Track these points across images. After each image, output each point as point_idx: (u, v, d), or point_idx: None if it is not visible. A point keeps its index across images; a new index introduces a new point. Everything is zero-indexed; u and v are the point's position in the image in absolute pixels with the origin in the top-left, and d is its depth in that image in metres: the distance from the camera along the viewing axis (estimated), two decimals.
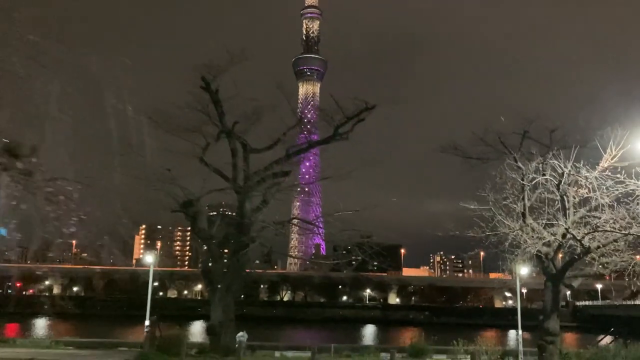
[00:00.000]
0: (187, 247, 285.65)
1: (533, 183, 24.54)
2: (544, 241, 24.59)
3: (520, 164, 24.50)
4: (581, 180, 23.56)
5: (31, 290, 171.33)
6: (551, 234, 24.55)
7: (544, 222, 25.53)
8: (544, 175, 24.13)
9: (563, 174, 23.90)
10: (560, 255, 26.86)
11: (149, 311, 27.78)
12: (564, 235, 24.55)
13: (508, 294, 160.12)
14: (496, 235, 24.81)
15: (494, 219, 24.51)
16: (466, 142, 25.38)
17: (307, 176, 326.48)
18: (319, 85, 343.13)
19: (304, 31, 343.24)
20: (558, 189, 24.12)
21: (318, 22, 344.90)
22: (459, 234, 25.15)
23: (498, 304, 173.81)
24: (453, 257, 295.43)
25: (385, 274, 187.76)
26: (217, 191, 21.93)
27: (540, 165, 24.44)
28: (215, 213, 26.84)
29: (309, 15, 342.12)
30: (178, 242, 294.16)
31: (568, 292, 72.83)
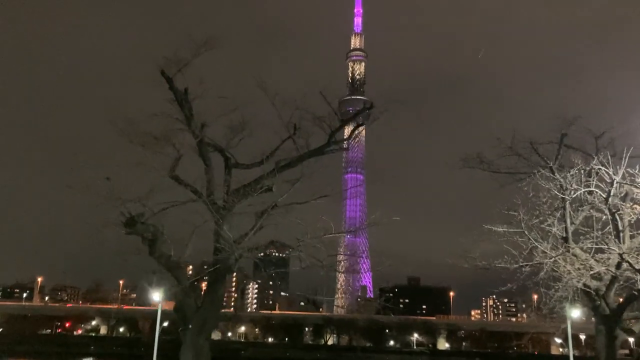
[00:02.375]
0: (233, 287, 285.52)
1: (575, 197, 19.90)
2: (592, 272, 19.96)
3: (558, 176, 20.02)
4: (637, 193, 18.98)
5: (79, 330, 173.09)
6: (601, 263, 19.92)
7: (591, 247, 20.63)
8: (587, 186, 19.51)
9: (613, 183, 19.34)
10: (614, 291, 21.62)
11: (156, 352, 25.34)
12: (618, 265, 19.76)
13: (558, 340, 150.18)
14: (532, 265, 20.30)
15: (529, 245, 20.04)
16: (493, 155, 21.37)
17: (355, 219, 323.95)
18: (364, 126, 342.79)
19: (350, 73, 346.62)
20: (606, 203, 19.37)
21: (363, 64, 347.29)
22: (486, 265, 20.79)
23: (555, 350, 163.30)
24: (506, 300, 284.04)
25: (434, 318, 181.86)
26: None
27: (583, 173, 19.68)
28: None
29: (354, 58, 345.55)
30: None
31: (631, 339, 64.12)
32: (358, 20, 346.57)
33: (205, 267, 18.92)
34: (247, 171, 19.55)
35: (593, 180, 19.44)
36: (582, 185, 19.39)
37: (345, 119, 19.50)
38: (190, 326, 17.41)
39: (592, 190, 19.53)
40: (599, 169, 19.03)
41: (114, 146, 17.11)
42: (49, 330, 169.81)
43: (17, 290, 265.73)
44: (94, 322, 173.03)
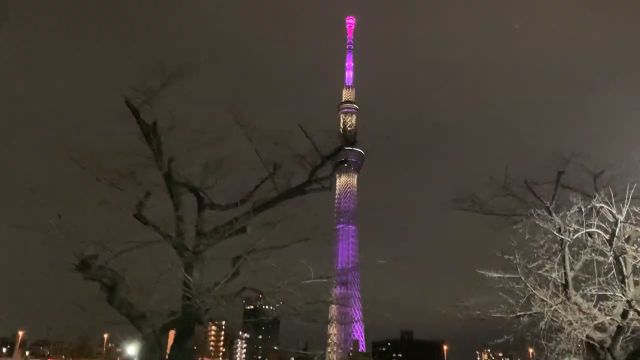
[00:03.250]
0: (222, 341, 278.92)
1: (575, 239, 18.30)
2: (595, 322, 18.26)
3: (555, 217, 18.54)
4: None
5: None
6: (606, 312, 18.32)
7: (594, 294, 18.49)
8: (588, 227, 18.00)
9: (617, 222, 17.83)
10: (620, 343, 19.72)
11: None
12: (624, 314, 18.01)
13: None
14: (530, 315, 18.60)
15: (526, 292, 18.35)
16: (486, 195, 19.93)
17: (346, 264, 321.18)
18: (356, 176, 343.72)
19: (341, 125, 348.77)
20: (610, 245, 17.76)
21: (354, 117, 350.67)
22: (481, 315, 19.06)
23: None
24: (501, 354, 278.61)
25: None
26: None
27: (583, 212, 18.09)
28: None
29: (346, 110, 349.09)
30: (213, 335, 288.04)
31: None
32: (349, 74, 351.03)
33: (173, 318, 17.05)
34: (222, 213, 17.94)
35: (594, 221, 17.91)
36: (583, 226, 17.84)
37: (326, 154, 17.96)
38: None
39: (593, 232, 17.95)
40: (601, 207, 17.56)
41: (75, 184, 15.64)
42: None
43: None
44: None
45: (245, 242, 16.93)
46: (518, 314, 18.09)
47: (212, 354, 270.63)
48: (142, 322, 15.58)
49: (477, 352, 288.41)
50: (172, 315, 16.03)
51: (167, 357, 16.06)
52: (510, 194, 18.62)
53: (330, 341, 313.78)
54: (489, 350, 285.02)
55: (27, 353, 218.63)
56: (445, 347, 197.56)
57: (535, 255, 18.25)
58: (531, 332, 18.52)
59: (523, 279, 17.64)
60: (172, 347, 16.05)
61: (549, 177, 19.22)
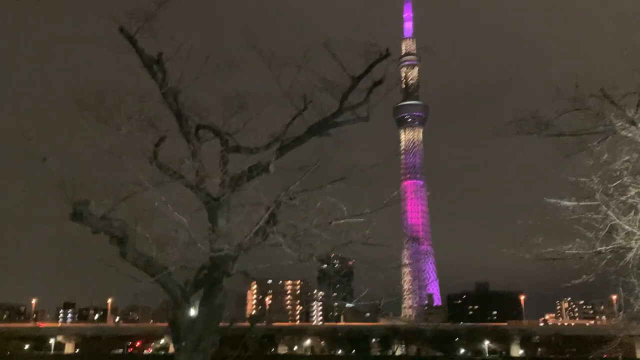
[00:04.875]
0: (298, 301, 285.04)
1: None
2: None
3: None
4: None
5: (149, 349, 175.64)
6: None
7: None
8: None
9: None
10: None
11: None
12: None
13: None
14: (612, 250, 15.70)
15: (607, 223, 15.37)
16: (552, 113, 16.77)
17: (418, 226, 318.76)
18: (421, 130, 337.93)
19: (403, 78, 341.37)
20: None
21: (417, 69, 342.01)
22: (553, 253, 16.29)
23: None
24: (582, 302, 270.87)
25: (506, 324, 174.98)
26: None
27: None
28: None
29: (407, 63, 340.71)
30: (289, 296, 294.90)
31: None
32: (408, 25, 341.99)
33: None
34: (250, 158, 15.85)
35: None
36: None
37: (355, 75, 15.26)
38: (183, 344, 14.13)
39: None
40: None
41: (79, 130, 14.00)
42: (121, 350, 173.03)
43: (92, 312, 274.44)
44: (162, 341, 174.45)
45: (276, 188, 14.95)
46: (598, 249, 15.20)
47: (289, 314, 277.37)
48: (163, 277, 14.06)
49: (557, 302, 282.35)
50: (199, 270, 14.46)
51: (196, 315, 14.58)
52: (583, 107, 15.43)
53: (404, 296, 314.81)
54: (569, 299, 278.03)
55: (117, 319, 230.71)
56: (522, 298, 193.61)
57: (616, 177, 15.18)
58: (616, 269, 15.74)
59: (603, 205, 14.67)
60: (200, 303, 14.49)
61: (628, 87, 15.85)
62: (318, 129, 15.91)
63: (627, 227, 14.61)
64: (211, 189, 14.58)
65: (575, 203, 15.08)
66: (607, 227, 14.99)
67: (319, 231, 13.43)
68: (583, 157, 15.53)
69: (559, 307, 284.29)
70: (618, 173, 14.99)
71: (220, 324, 15.78)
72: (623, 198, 15.09)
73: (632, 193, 14.85)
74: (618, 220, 14.59)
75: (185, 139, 14.81)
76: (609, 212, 14.51)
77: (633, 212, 14.91)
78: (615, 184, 14.96)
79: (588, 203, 15.04)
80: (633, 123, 14.55)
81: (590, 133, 15.54)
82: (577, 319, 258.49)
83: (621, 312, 18.70)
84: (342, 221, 13.44)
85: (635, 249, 14.72)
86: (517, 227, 16.80)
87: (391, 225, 14.99)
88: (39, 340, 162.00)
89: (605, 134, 15.41)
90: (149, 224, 13.28)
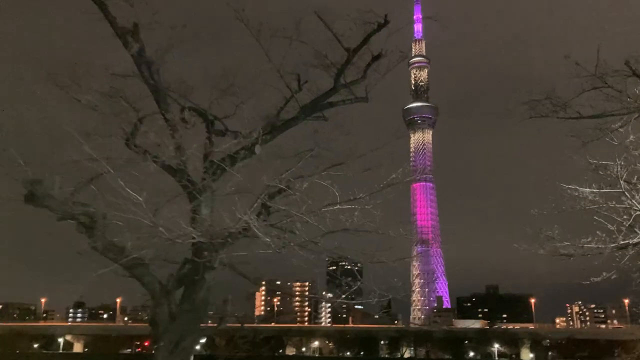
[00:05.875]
0: (307, 302, 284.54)
1: None
2: None
3: None
4: None
5: None
6: None
7: None
8: None
9: None
10: None
11: None
12: None
13: None
14: (637, 245, 14.10)
15: (631, 214, 13.70)
16: (570, 93, 15.18)
17: (428, 228, 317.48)
18: (430, 132, 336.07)
19: (413, 80, 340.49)
20: None
21: (426, 71, 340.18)
22: (570, 247, 14.74)
23: None
24: (593, 306, 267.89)
25: (517, 327, 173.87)
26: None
27: None
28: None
29: (416, 64, 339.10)
30: (298, 297, 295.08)
31: None
32: (418, 27, 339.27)
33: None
34: (239, 143, 14.42)
35: None
36: None
37: (353, 48, 13.65)
38: (162, 344, 12.79)
39: None
40: None
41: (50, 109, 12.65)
42: (129, 350, 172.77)
43: (102, 312, 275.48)
44: None
45: (270, 176, 13.50)
46: (621, 243, 13.60)
47: (298, 315, 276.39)
48: (140, 269, 12.74)
49: (567, 305, 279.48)
50: (182, 264, 13.11)
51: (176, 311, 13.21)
52: (604, 85, 13.80)
53: (414, 298, 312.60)
54: (580, 303, 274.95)
55: (125, 318, 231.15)
56: (532, 301, 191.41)
57: None
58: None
59: (627, 194, 13.06)
60: (182, 299, 13.15)
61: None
62: (311, 108, 14.45)
63: None
64: (194, 174, 13.24)
65: (597, 190, 13.54)
66: (632, 218, 13.49)
67: (308, 218, 12.05)
68: (604, 145, 14.02)
69: (569, 311, 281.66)
70: None
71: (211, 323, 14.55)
72: None
73: None
74: None
75: (163, 118, 13.36)
76: (634, 201, 13.00)
77: None
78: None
79: (610, 190, 13.53)
80: None
81: (612, 115, 14.02)
82: (589, 322, 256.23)
83: None
84: (336, 207, 12.08)
85: None
86: (530, 219, 15.34)
87: (399, 225, 13.55)
88: (48, 339, 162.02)
89: (629, 116, 13.90)
90: (123, 211, 11.90)
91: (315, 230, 12.29)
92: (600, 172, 14.04)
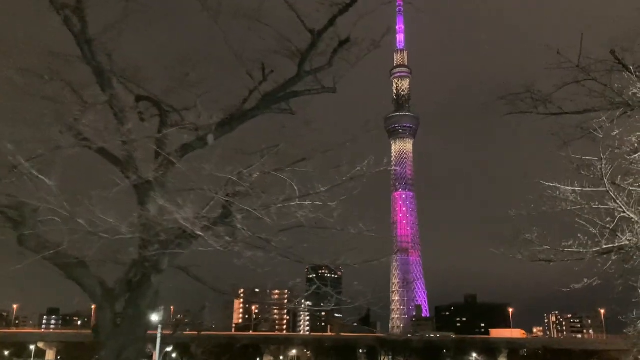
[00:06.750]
0: (286, 311, 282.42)
1: None
2: None
3: None
4: None
5: None
6: None
7: None
8: None
9: None
10: None
11: None
12: None
13: None
14: (618, 250, 13.13)
15: (614, 215, 12.74)
16: (550, 87, 14.26)
17: (407, 237, 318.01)
18: (411, 142, 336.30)
19: (394, 90, 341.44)
20: None
21: (408, 81, 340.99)
22: (550, 251, 13.78)
23: None
24: (569, 316, 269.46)
25: (494, 337, 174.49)
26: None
27: None
28: None
29: (398, 74, 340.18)
30: (275, 309, 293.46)
31: None
32: (400, 37, 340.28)
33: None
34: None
35: None
36: None
37: (318, 29, 12.50)
38: (102, 353, 11.48)
39: None
40: None
41: None
42: None
43: (76, 318, 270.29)
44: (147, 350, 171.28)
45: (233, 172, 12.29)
46: (604, 247, 12.62)
47: (276, 325, 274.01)
48: (80, 271, 11.47)
49: (545, 315, 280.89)
50: (130, 266, 11.86)
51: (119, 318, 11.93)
52: (588, 77, 12.87)
53: (393, 307, 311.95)
54: (557, 312, 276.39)
55: None
56: (510, 310, 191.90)
57: (629, 163, 12.57)
58: (622, 273, 13.25)
59: (611, 194, 12.06)
60: (126, 304, 11.88)
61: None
62: (273, 98, 13.31)
63: (638, 220, 12.21)
64: (143, 169, 12.01)
65: (579, 189, 12.57)
66: (615, 221, 12.55)
67: (259, 214, 10.89)
68: (587, 146, 13.06)
69: (546, 320, 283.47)
70: (630, 158, 12.52)
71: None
72: (633, 188, 12.69)
73: None
74: (629, 213, 12.14)
75: (109, 105, 12.11)
76: (618, 202, 12.07)
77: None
78: (625, 181, 12.46)
79: (593, 189, 12.57)
80: None
81: (596, 110, 13.09)
82: (565, 332, 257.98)
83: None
84: (293, 203, 10.94)
85: None
86: (508, 220, 14.37)
87: (379, 232, 12.46)
88: (19, 346, 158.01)
89: (614, 112, 12.99)
90: (37, 199, 10.60)
91: (271, 228, 11.15)
92: (583, 172, 13.13)
